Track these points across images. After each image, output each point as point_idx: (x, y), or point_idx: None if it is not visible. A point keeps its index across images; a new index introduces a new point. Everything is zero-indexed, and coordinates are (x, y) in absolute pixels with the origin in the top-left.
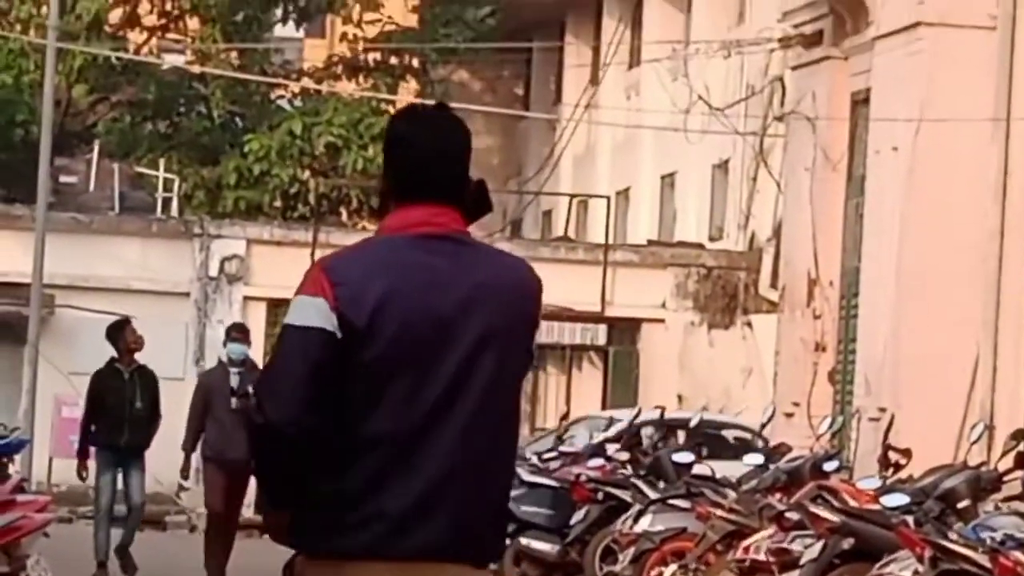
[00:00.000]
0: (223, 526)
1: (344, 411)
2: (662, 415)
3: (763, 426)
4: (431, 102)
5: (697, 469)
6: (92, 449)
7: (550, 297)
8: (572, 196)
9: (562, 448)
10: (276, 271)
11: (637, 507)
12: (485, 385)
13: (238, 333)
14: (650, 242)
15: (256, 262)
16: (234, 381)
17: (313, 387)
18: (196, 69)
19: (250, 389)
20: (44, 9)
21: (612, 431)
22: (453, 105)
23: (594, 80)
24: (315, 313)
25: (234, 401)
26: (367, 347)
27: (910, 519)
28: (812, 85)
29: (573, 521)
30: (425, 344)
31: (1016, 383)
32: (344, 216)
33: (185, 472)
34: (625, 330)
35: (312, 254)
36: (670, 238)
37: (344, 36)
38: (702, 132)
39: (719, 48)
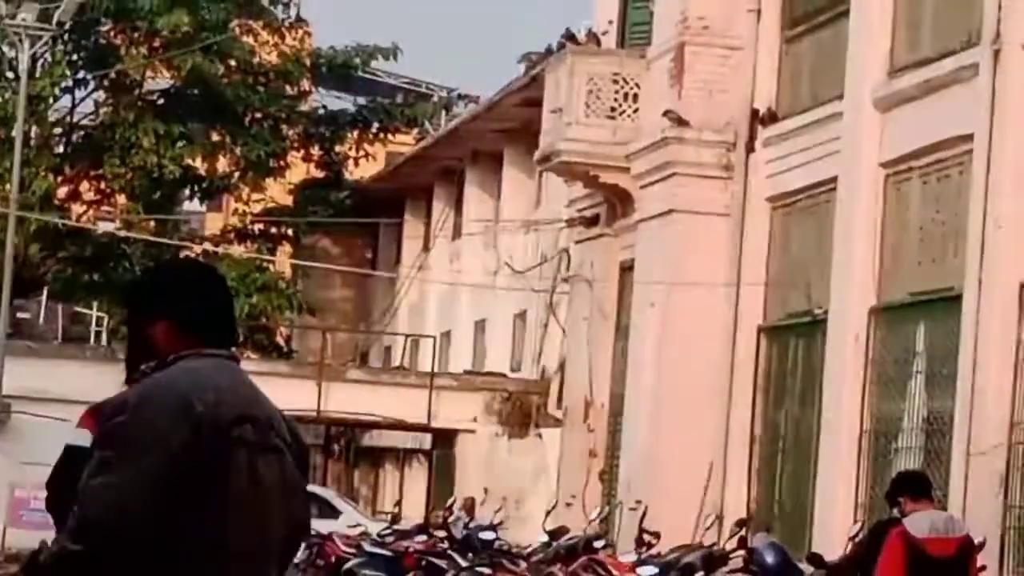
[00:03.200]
0: None
1: None
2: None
3: (548, 513)
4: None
5: (499, 544)
6: None
7: (389, 412)
8: (407, 336)
9: (396, 526)
10: None
11: (452, 573)
12: None
13: None
14: (466, 372)
15: None
16: None
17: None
18: (123, 233)
19: None
20: (7, 186)
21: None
22: (317, 266)
23: (426, 248)
24: (83, 439)
25: None
26: None
27: None
28: (590, 255)
29: None
30: None
31: (740, 484)
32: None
33: None
34: (445, 438)
35: None
36: (481, 368)
37: (236, 211)
38: (507, 289)
39: (521, 226)
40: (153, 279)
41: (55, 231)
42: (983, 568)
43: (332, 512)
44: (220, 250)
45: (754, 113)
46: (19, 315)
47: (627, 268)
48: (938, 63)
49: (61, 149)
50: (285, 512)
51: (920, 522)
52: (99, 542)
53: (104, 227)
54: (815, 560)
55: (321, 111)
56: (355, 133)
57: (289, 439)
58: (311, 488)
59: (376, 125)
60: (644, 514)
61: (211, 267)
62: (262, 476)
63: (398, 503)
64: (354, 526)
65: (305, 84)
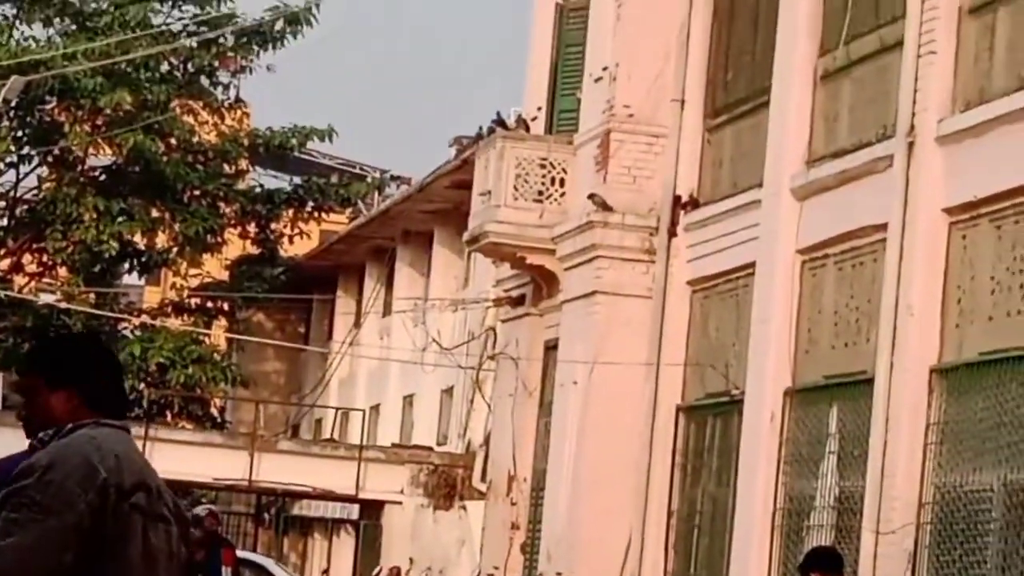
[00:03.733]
0: None
1: None
2: None
3: None
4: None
5: None
6: None
7: (318, 482)
8: (337, 409)
9: None
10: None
11: None
12: None
13: None
14: (393, 444)
15: None
16: None
17: None
18: (63, 305)
19: None
20: None
21: None
22: (251, 340)
23: (357, 324)
24: None
25: None
26: None
27: None
28: (516, 334)
29: None
30: None
31: (657, 558)
32: (168, 417)
33: None
34: (373, 509)
35: (144, 444)
36: (408, 442)
37: (174, 285)
38: (434, 365)
39: (449, 304)
40: (58, 350)
41: None
42: None
43: None
44: (157, 323)
45: (676, 199)
46: None
47: (551, 347)
48: (854, 154)
49: (4, 222)
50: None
51: None
52: None
53: (45, 299)
54: None
55: (258, 189)
56: (290, 211)
57: (173, 510)
58: (249, 556)
59: (311, 204)
60: None
61: (99, 339)
62: (153, 544)
63: (326, 571)
64: None
65: (243, 163)
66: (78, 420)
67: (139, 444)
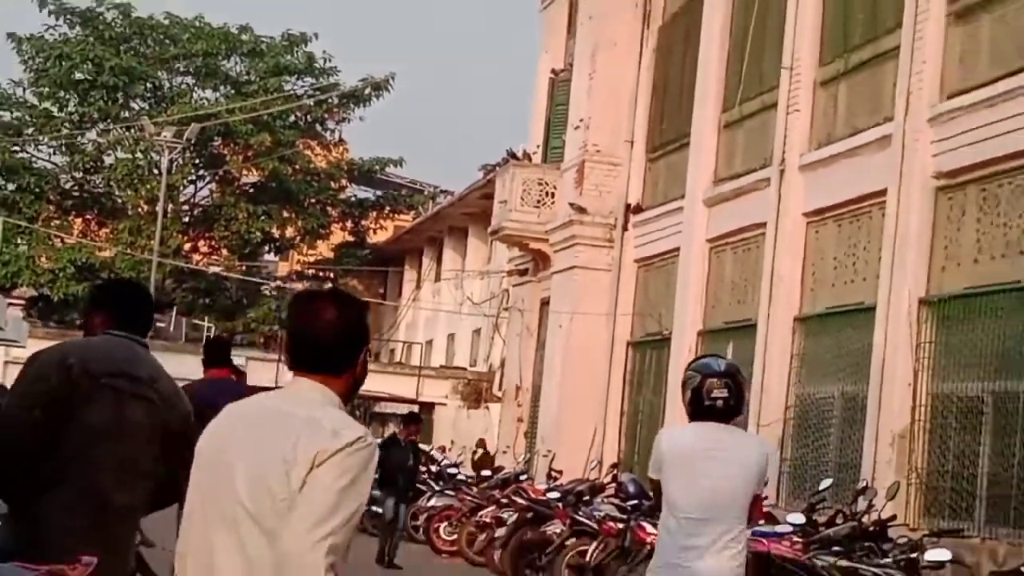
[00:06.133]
0: None
1: None
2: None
3: (493, 457)
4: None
5: (459, 476)
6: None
7: (392, 390)
8: (404, 342)
9: None
10: (261, 375)
11: (428, 492)
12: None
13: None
14: (441, 366)
15: (249, 370)
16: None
17: None
18: (225, 274)
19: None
20: (152, 242)
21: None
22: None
23: (418, 286)
24: None
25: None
26: None
27: (560, 504)
28: (522, 294)
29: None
30: None
31: (613, 441)
32: None
33: None
34: (427, 408)
35: (277, 368)
36: (451, 363)
37: (298, 261)
38: (468, 314)
39: (478, 274)
40: (101, 289)
41: (182, 271)
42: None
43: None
44: (287, 286)
45: (628, 206)
46: (158, 325)
47: (545, 303)
48: (744, 176)
49: (187, 219)
50: (150, 441)
51: None
52: None
53: (213, 270)
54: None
55: (353, 199)
56: (374, 213)
57: (167, 396)
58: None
59: (388, 208)
60: (552, 459)
61: (138, 285)
62: (128, 416)
63: None
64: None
65: (343, 181)
66: (103, 331)
67: (272, 368)
